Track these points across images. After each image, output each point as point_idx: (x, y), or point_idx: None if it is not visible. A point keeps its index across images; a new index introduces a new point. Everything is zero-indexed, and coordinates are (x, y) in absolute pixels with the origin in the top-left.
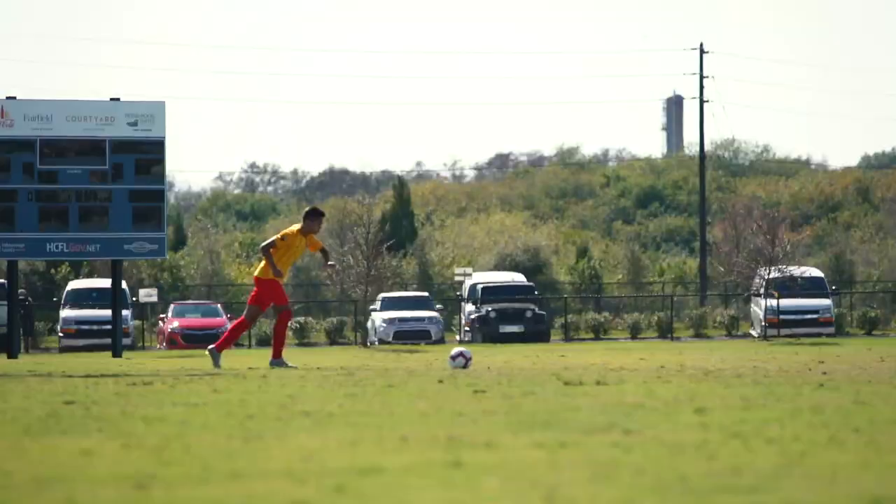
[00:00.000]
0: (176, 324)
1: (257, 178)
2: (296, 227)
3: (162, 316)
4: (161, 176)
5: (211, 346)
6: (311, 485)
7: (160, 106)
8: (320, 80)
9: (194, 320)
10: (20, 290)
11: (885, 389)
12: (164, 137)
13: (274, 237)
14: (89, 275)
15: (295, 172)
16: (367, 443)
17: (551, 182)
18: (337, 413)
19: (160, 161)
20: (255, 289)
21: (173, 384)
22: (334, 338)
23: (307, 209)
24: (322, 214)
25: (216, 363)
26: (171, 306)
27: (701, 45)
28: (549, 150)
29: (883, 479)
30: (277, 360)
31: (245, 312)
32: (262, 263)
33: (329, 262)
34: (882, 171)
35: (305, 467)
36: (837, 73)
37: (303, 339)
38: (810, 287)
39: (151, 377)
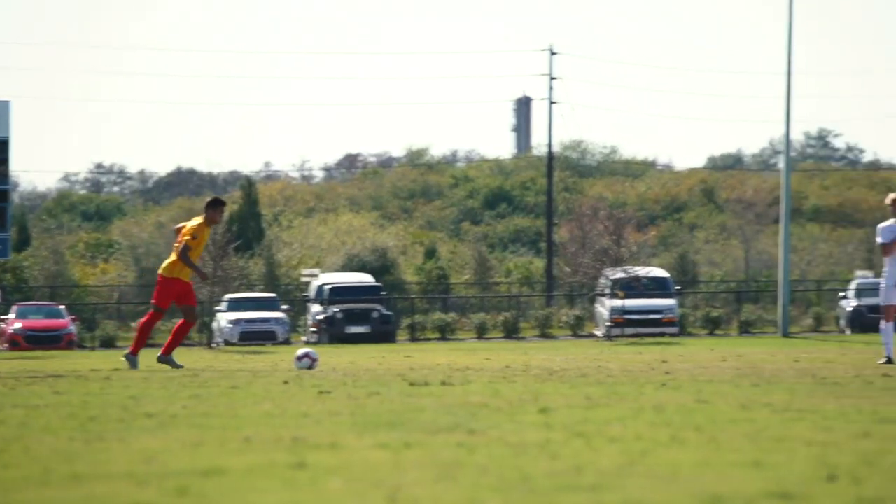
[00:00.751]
0: (18, 325)
1: (104, 179)
2: (198, 220)
3: (4, 317)
4: (5, 176)
5: (160, 355)
6: (153, 487)
7: (4, 105)
8: (167, 79)
9: (37, 322)
10: None
11: (726, 388)
12: (9, 137)
13: (186, 240)
14: None
15: (142, 173)
16: (211, 444)
17: (400, 183)
18: (180, 414)
19: (4, 161)
20: (175, 289)
21: (14, 386)
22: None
23: (210, 199)
24: (224, 203)
25: (174, 364)
26: (14, 308)
27: (550, 46)
28: (398, 151)
29: (723, 478)
30: (131, 356)
31: (183, 315)
32: (170, 261)
33: None
34: (727, 173)
35: (147, 469)
36: (684, 74)
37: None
38: (655, 287)
39: None
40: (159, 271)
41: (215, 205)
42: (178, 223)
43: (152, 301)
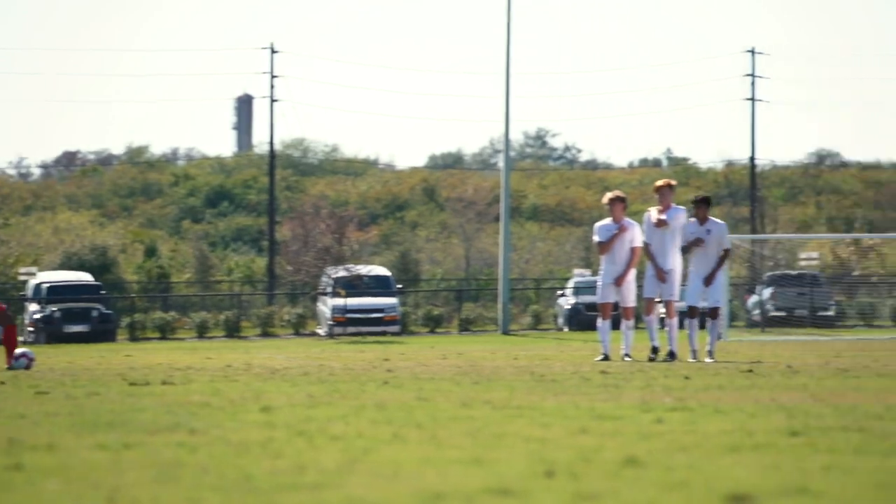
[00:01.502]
0: None
1: None
2: None
3: None
4: None
5: (7, 367)
6: None
7: None
8: None
9: None
10: None
11: (447, 386)
12: None
13: None
14: None
15: None
16: None
17: (120, 181)
18: None
19: None
20: None
21: None
22: None
23: None
24: None
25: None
26: None
27: (272, 44)
28: (117, 149)
29: (444, 475)
30: None
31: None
32: None
33: None
34: (447, 171)
35: None
36: (405, 73)
37: None
38: (376, 286)
39: None
40: None
41: None
42: None
43: None
